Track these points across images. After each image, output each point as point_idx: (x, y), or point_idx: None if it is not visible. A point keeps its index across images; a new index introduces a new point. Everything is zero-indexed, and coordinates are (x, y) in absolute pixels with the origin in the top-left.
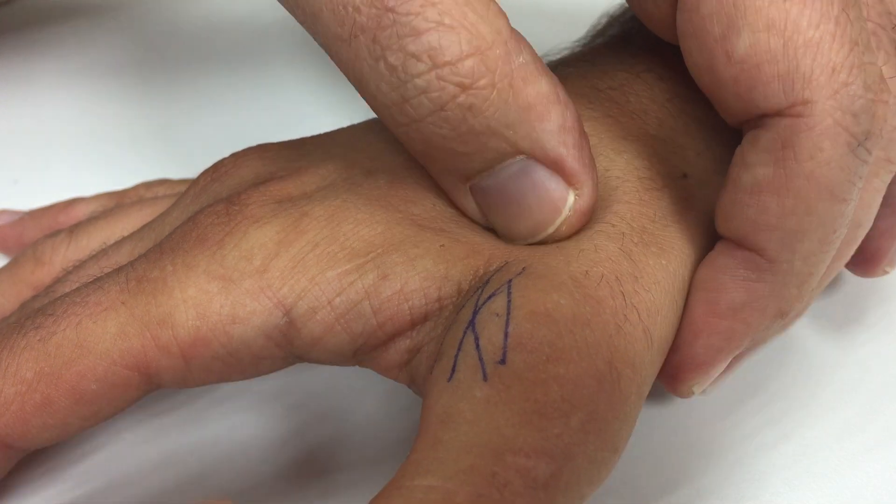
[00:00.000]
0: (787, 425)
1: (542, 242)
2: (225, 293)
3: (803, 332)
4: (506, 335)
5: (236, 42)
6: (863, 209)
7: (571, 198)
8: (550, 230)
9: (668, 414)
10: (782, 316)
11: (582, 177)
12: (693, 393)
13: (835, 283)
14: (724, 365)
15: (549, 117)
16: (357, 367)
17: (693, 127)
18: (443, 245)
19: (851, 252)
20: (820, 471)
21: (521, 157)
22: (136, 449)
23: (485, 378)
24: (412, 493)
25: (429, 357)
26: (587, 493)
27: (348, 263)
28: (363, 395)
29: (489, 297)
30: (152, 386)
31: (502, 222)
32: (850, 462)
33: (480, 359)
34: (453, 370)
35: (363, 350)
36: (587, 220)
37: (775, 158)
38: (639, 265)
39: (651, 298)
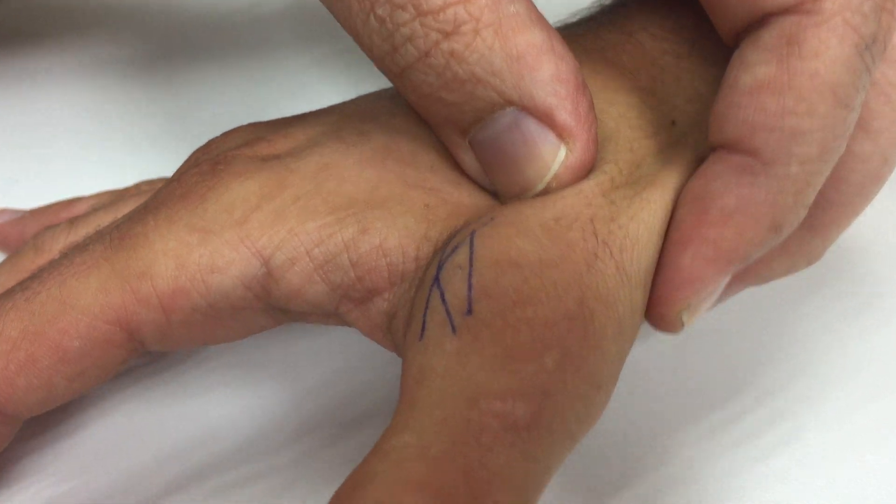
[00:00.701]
0: (787, 426)
1: None
2: (204, 244)
3: (803, 333)
4: (469, 286)
5: (237, 42)
6: (893, 145)
7: (562, 153)
8: (540, 187)
9: (668, 412)
10: (777, 230)
11: (575, 130)
12: (682, 324)
13: (833, 282)
14: (715, 286)
15: (541, 67)
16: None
17: (685, 80)
18: (427, 205)
19: (877, 190)
20: (820, 471)
21: (513, 108)
22: (128, 424)
23: (454, 331)
24: (388, 454)
25: (404, 322)
26: (577, 432)
27: (329, 216)
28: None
29: (452, 251)
30: (135, 343)
31: (497, 179)
32: (851, 462)
33: (448, 313)
34: (423, 328)
35: (344, 303)
36: (581, 177)
37: (778, 56)
38: (619, 206)
39: (625, 234)
